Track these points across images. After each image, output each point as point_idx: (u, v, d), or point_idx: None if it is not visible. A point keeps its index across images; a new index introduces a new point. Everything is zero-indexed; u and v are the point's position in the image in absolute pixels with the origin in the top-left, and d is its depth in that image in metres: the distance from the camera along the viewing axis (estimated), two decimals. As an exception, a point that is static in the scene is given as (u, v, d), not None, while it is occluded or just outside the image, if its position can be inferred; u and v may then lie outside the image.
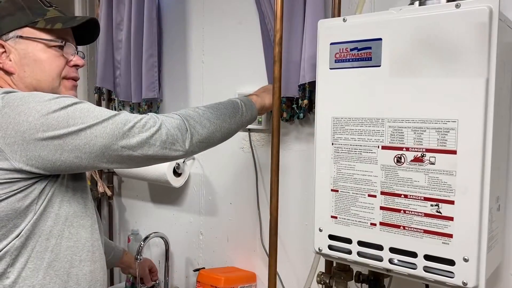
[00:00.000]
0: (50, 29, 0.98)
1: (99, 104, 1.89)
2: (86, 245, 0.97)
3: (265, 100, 1.18)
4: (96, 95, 1.86)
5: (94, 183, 1.87)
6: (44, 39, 0.98)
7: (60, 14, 1.01)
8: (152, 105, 1.73)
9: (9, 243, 0.87)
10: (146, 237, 1.58)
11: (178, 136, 0.94)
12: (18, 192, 0.86)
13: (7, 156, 0.84)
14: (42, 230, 0.90)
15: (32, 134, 0.84)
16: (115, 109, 1.85)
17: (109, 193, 1.88)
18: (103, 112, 0.89)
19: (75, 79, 1.05)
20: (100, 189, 1.84)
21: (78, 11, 1.93)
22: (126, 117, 0.90)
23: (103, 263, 1.02)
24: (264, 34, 1.37)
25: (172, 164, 1.58)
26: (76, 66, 1.04)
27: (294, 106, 1.30)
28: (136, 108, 1.77)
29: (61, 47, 1.00)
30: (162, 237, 1.65)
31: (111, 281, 1.98)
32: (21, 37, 0.96)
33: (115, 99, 1.84)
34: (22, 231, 0.88)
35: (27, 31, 0.97)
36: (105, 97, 1.88)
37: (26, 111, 0.84)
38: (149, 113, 0.96)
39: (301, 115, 1.29)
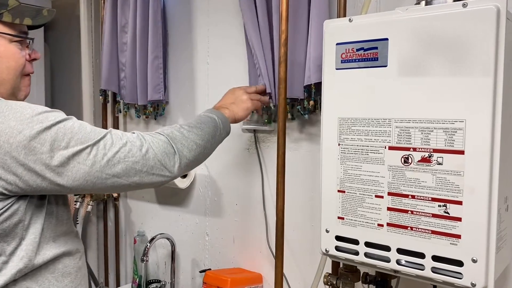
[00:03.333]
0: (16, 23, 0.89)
1: (104, 106, 1.91)
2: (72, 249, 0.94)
3: (235, 114, 1.15)
4: (101, 97, 1.87)
5: (100, 184, 1.87)
6: (9, 34, 0.89)
7: (18, 2, 0.92)
8: (158, 107, 1.73)
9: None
10: (152, 239, 1.58)
11: (166, 162, 0.91)
12: (4, 212, 0.82)
13: None
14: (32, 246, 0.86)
15: (14, 157, 0.79)
16: (121, 112, 1.86)
17: (115, 194, 1.88)
18: (88, 135, 0.84)
19: (32, 73, 0.97)
20: (106, 191, 1.85)
21: (83, 14, 1.93)
22: (111, 140, 0.86)
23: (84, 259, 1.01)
24: (248, 52, 1.39)
25: (178, 165, 1.58)
26: (34, 59, 0.97)
27: (298, 108, 1.30)
28: (141, 110, 1.77)
29: (20, 42, 0.92)
30: (168, 238, 1.65)
31: (117, 282, 1.99)
32: None
33: (120, 101, 1.85)
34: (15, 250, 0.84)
35: None
36: (109, 99, 1.89)
37: (6, 130, 0.79)
38: (135, 132, 0.92)
39: (306, 116, 1.29)
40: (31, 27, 0.96)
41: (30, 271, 0.86)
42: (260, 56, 1.34)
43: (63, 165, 0.81)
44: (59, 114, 0.85)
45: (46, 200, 0.89)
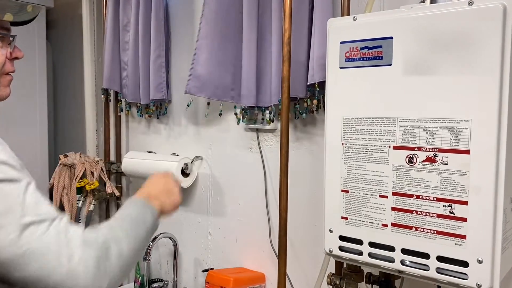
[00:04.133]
0: None
1: (106, 105, 1.90)
2: None
3: (164, 208, 0.94)
4: (103, 96, 1.87)
5: (103, 183, 1.87)
6: None
7: None
8: (160, 106, 1.73)
9: None
10: (155, 238, 1.58)
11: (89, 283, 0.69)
12: None
13: None
14: None
15: None
16: (122, 110, 1.85)
17: (117, 193, 1.88)
18: (23, 211, 0.67)
19: (13, 72, 0.89)
20: (109, 190, 1.85)
21: (85, 12, 1.93)
22: (45, 229, 0.67)
23: None
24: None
25: (180, 164, 1.58)
26: (16, 58, 0.89)
27: (297, 107, 1.29)
28: (144, 109, 1.77)
29: (1, 38, 0.85)
30: (170, 238, 1.65)
31: (119, 282, 1.98)
32: None
33: (122, 100, 1.84)
34: None
35: None
36: (111, 98, 1.88)
37: None
38: (76, 234, 0.71)
39: (304, 115, 1.29)
40: (14, 24, 0.88)
41: None
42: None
43: None
44: (5, 170, 0.68)
45: None
